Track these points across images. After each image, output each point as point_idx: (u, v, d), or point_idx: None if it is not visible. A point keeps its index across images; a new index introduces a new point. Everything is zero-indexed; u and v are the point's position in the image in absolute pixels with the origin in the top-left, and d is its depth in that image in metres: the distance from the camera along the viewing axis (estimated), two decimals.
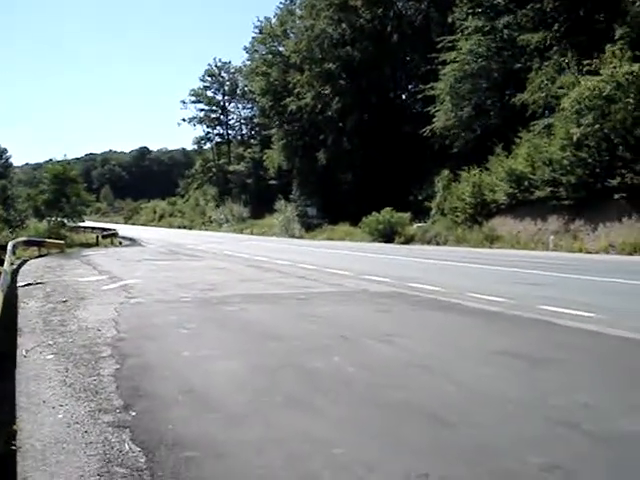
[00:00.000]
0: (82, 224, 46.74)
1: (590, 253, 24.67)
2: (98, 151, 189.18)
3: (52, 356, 7.14)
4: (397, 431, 4.44)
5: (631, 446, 4.07)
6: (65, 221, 42.54)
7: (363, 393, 5.38)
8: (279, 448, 4.15)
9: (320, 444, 4.19)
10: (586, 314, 9.16)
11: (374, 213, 39.48)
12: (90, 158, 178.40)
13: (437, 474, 3.66)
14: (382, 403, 5.10)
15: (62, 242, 32.75)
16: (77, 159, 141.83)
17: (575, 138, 26.16)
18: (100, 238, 41.75)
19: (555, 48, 31.60)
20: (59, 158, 50.65)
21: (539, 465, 3.78)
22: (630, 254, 23.07)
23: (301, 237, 50.08)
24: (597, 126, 25.47)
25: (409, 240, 37.04)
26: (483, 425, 4.56)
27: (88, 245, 37.84)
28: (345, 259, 23.90)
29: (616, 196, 25.43)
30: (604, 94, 25.06)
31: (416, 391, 5.42)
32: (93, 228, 50.37)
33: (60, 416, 4.96)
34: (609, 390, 5.44)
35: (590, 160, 26.30)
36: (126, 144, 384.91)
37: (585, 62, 27.12)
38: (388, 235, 38.22)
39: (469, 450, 4.06)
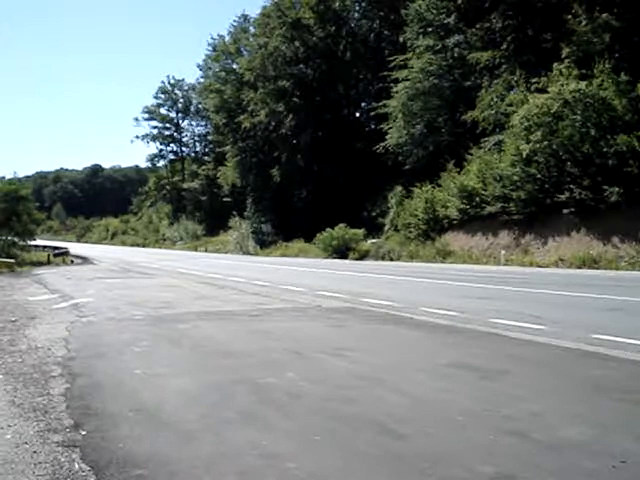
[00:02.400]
0: (33, 243, 45.96)
1: (540, 267, 25.12)
2: (50, 169, 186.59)
3: (1, 376, 7.00)
4: (350, 444, 4.45)
5: (578, 454, 4.15)
6: (16, 240, 41.79)
7: (316, 407, 5.39)
8: (232, 464, 4.12)
9: (273, 459, 4.17)
10: (536, 326, 9.33)
11: (328, 229, 39.65)
12: (41, 176, 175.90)
13: None
14: (335, 416, 5.12)
15: (12, 261, 32.18)
16: (28, 177, 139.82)
17: (524, 154, 26.72)
18: (52, 257, 41.10)
19: (504, 66, 32.27)
20: (9, 176, 49.93)
21: (489, 474, 3.83)
22: (579, 267, 23.55)
23: (256, 254, 50.05)
24: (545, 142, 26.03)
25: (363, 256, 37.24)
26: (435, 436, 4.59)
27: (39, 264, 37.17)
28: (299, 275, 23.93)
29: (565, 211, 25.98)
30: (552, 111, 25.64)
31: (368, 404, 5.44)
32: (45, 247, 49.63)
33: (8, 436, 4.86)
34: (557, 400, 5.53)
35: (539, 176, 26.83)
36: (78, 162, 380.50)
37: (533, 80, 27.77)
38: (342, 251, 38.40)
39: (421, 461, 4.09)
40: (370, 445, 4.41)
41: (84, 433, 4.88)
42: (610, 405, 5.36)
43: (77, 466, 4.19)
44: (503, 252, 28.35)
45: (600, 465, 3.94)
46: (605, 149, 24.30)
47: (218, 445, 4.51)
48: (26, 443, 4.69)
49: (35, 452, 4.49)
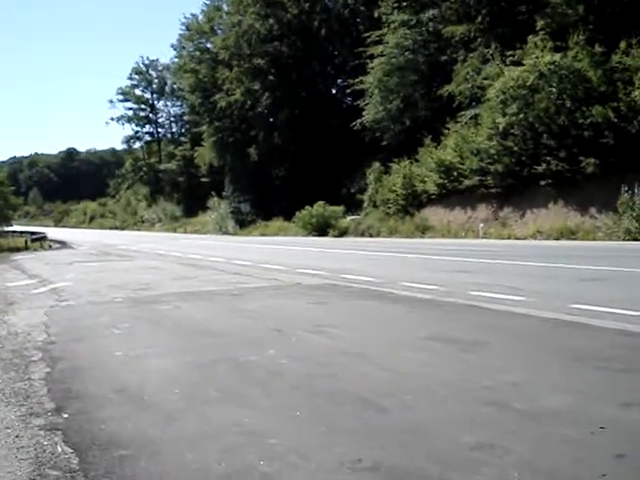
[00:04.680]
0: (10, 228, 45.53)
1: (519, 239, 25.33)
2: (24, 153, 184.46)
3: None
4: (331, 419, 4.48)
5: (557, 422, 4.20)
6: None
7: (297, 383, 5.41)
8: (214, 442, 4.14)
9: (255, 436, 4.19)
10: (515, 298, 9.40)
11: (307, 207, 39.64)
12: (16, 161, 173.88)
13: (371, 458, 3.70)
14: (316, 392, 5.14)
15: None
16: (2, 162, 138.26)
17: (501, 127, 26.83)
18: (29, 242, 40.77)
19: (479, 40, 32.24)
20: None
21: (471, 444, 3.86)
22: (557, 239, 23.76)
23: (235, 234, 49.97)
24: (522, 115, 26.14)
25: (343, 233, 37.34)
26: (416, 409, 4.63)
27: (17, 249, 36.87)
28: (279, 254, 23.94)
29: (542, 183, 26.16)
30: (527, 84, 25.73)
31: (349, 379, 5.47)
32: (22, 232, 49.19)
33: None
34: (537, 369, 5.58)
35: (516, 149, 26.96)
36: (53, 145, 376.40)
37: (508, 53, 27.81)
38: (322, 229, 38.45)
39: (402, 434, 4.12)
40: (351, 420, 4.43)
41: (66, 416, 4.87)
42: (590, 374, 5.41)
43: (60, 449, 4.19)
44: (481, 225, 28.50)
45: (579, 432, 3.99)
46: (581, 120, 24.41)
47: (200, 424, 4.52)
48: (8, 428, 4.67)
49: (17, 436, 4.48)
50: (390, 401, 4.80)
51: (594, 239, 22.82)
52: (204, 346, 7.19)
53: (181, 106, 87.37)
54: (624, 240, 21.60)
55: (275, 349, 6.72)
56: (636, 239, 21.37)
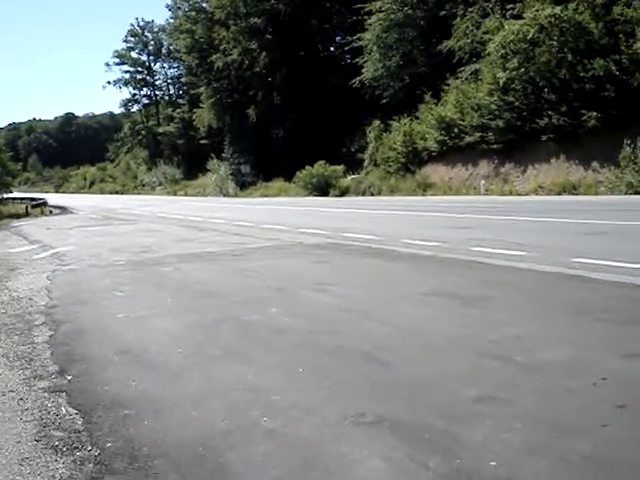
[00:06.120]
0: (10, 195, 45.44)
1: (521, 195, 25.27)
2: (22, 119, 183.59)
3: None
4: (335, 374, 4.48)
5: (559, 374, 4.20)
6: None
7: (300, 341, 5.42)
8: (218, 399, 4.15)
9: (258, 392, 4.20)
10: (517, 253, 9.37)
11: (307, 167, 39.47)
12: (14, 127, 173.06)
13: (374, 412, 3.71)
14: (319, 349, 5.15)
15: None
16: (0, 129, 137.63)
17: (501, 82, 26.55)
18: (30, 208, 40.74)
19: None
20: None
21: (474, 397, 3.87)
22: (559, 194, 23.69)
23: (236, 195, 49.88)
24: (522, 70, 25.86)
25: (344, 192, 37.27)
26: (419, 363, 4.63)
27: (18, 216, 36.85)
28: (280, 214, 23.92)
29: (543, 138, 25.94)
30: (528, 37, 25.40)
31: (352, 335, 5.48)
32: (22, 199, 49.13)
33: None
34: (539, 323, 5.58)
35: (517, 103, 26.73)
36: (50, 111, 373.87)
37: (508, 6, 27.44)
38: (323, 188, 38.36)
39: (405, 388, 4.13)
40: (355, 375, 4.44)
41: (70, 378, 4.89)
42: (592, 326, 5.40)
43: (64, 410, 4.20)
44: (483, 182, 28.41)
45: (581, 383, 4.00)
46: (582, 74, 24.16)
47: (204, 382, 4.53)
48: (12, 391, 4.69)
49: (22, 399, 4.50)
50: (393, 356, 4.81)
51: (596, 193, 22.75)
52: (206, 306, 7.19)
53: (178, 68, 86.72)
54: (626, 194, 21.52)
55: (277, 307, 6.72)
56: (638, 193, 21.29)
